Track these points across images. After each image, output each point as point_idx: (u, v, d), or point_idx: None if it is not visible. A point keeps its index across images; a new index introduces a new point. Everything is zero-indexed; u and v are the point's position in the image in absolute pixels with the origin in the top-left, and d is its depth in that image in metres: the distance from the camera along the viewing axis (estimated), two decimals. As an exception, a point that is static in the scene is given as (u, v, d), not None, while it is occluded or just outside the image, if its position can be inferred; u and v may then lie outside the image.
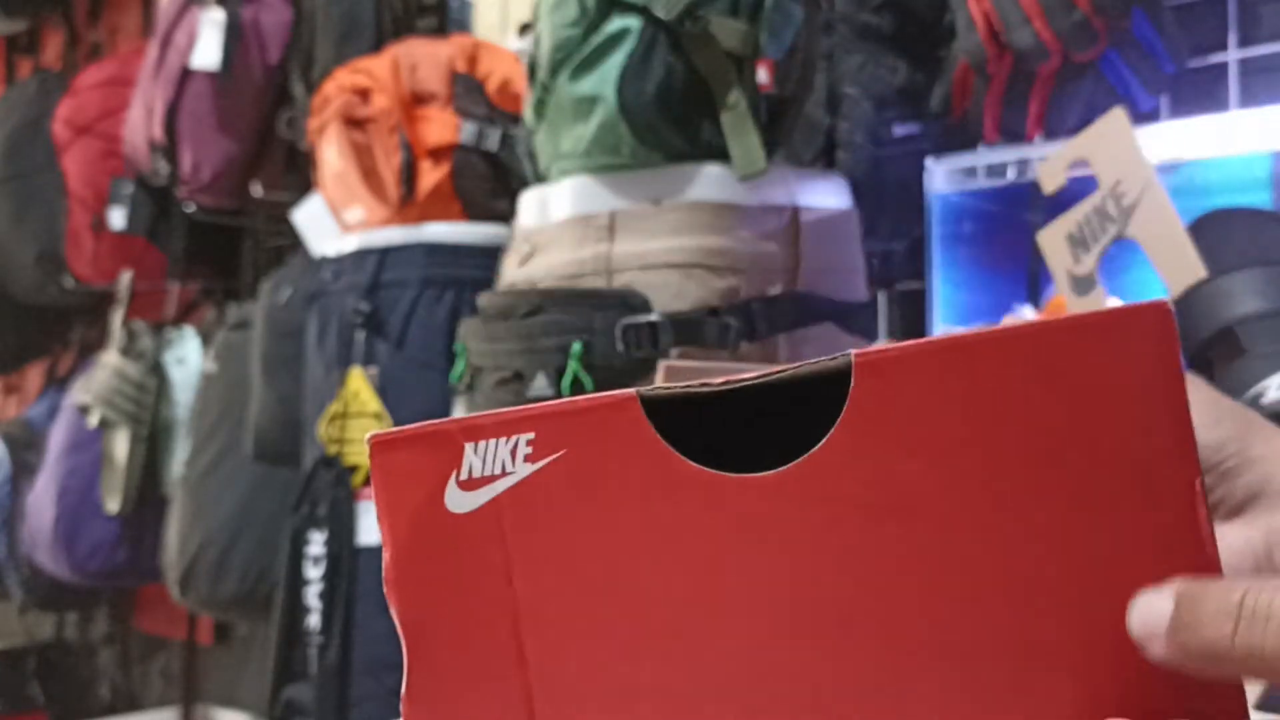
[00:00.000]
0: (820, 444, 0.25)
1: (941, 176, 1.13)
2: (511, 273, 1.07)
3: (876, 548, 0.25)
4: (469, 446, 0.25)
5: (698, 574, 0.25)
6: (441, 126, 1.40)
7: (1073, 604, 0.25)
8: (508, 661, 0.25)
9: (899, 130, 1.22)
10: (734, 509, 0.25)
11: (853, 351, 0.25)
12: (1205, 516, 0.25)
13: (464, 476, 0.25)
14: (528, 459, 0.25)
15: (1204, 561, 0.25)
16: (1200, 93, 1.15)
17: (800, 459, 0.25)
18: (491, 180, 1.41)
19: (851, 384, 0.24)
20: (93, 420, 2.09)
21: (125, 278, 2.17)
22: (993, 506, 0.25)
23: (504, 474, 0.25)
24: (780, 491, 0.25)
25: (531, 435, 0.25)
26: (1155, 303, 0.25)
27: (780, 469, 0.25)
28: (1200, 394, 0.33)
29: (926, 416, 0.25)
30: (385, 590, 0.25)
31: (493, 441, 0.25)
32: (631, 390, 0.25)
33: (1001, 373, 0.25)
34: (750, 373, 0.25)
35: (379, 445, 0.25)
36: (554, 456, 0.25)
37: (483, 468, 0.25)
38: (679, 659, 0.25)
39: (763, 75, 0.97)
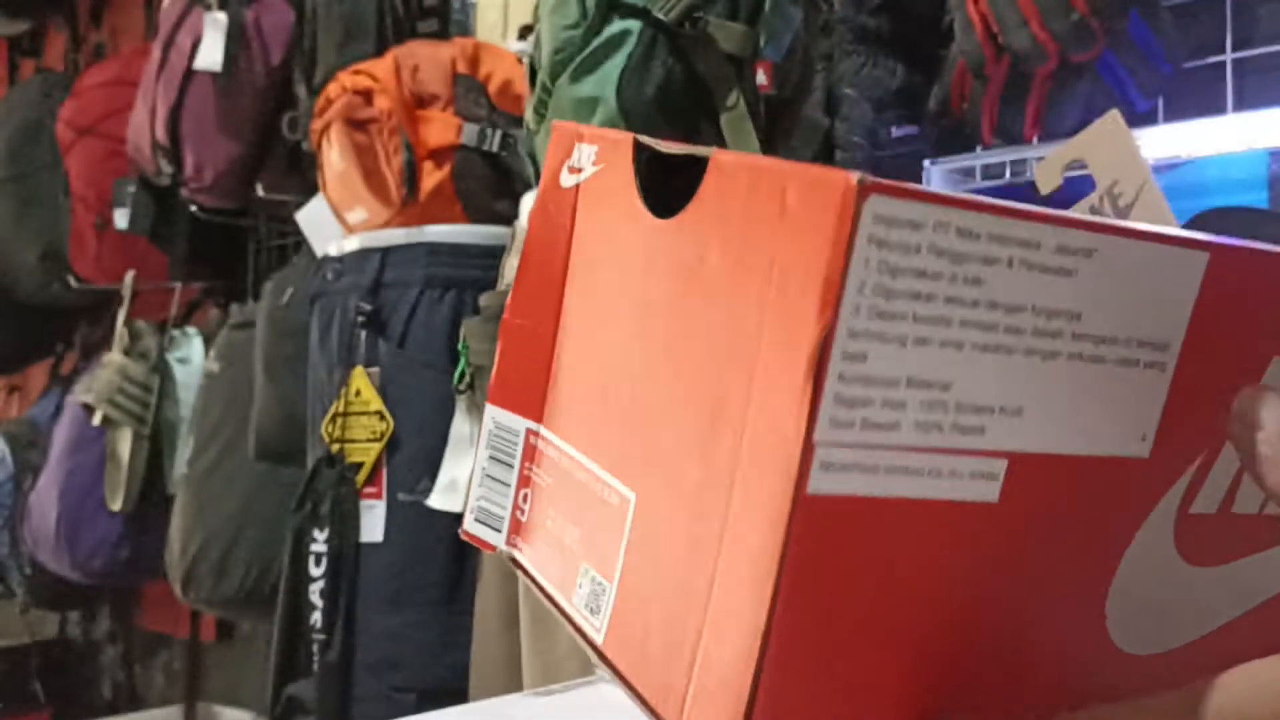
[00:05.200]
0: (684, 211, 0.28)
1: (939, 177, 1.14)
2: (512, 273, 1.08)
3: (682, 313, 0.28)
4: (579, 145, 0.32)
5: (613, 294, 0.31)
6: (443, 128, 1.40)
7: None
8: (549, 306, 0.32)
9: (897, 131, 1.23)
10: (643, 246, 0.29)
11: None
12: None
13: (571, 163, 0.32)
14: (592, 163, 0.32)
15: None
16: (1197, 94, 1.16)
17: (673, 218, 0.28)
18: (493, 181, 1.42)
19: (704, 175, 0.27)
20: (96, 419, 2.09)
21: (128, 278, 2.18)
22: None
23: (581, 170, 0.32)
24: (660, 239, 0.29)
25: (595, 150, 0.31)
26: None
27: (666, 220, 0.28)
28: None
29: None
30: (529, 219, 0.34)
31: (585, 145, 0.32)
32: (632, 136, 0.30)
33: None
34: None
35: (561, 134, 0.33)
36: (597, 169, 0.31)
37: (579, 160, 0.32)
38: (588, 358, 0.32)
39: (762, 77, 0.98)
